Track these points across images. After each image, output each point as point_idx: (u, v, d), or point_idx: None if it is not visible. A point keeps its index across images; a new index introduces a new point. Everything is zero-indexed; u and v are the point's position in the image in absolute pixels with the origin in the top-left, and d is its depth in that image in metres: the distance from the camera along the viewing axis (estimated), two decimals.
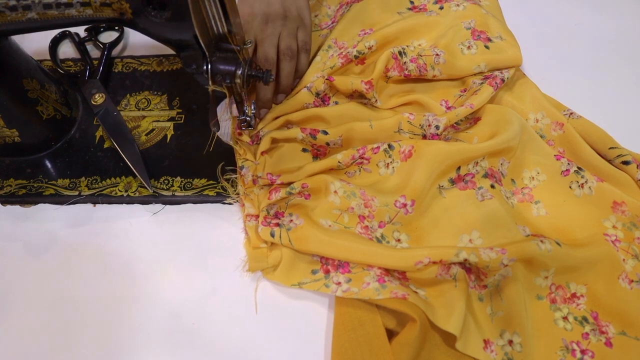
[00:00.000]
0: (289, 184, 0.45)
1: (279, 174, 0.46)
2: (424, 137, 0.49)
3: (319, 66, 0.53)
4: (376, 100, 0.52)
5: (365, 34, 0.55)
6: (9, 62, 0.46)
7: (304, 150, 0.50)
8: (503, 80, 0.51)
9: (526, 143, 0.49)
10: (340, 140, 0.49)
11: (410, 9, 0.58)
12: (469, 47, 0.53)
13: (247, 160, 0.47)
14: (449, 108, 0.52)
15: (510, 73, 0.52)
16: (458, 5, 0.56)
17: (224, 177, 0.48)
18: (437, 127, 0.48)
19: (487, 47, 0.53)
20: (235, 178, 0.47)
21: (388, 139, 0.49)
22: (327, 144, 0.49)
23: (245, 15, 0.51)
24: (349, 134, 0.49)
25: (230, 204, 0.48)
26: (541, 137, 0.50)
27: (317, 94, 0.51)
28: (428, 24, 0.55)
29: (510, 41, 0.54)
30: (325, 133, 0.48)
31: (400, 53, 0.52)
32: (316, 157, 0.50)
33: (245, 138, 0.49)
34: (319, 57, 0.54)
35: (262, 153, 0.47)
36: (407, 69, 0.52)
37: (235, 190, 0.47)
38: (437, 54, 0.52)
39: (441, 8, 0.56)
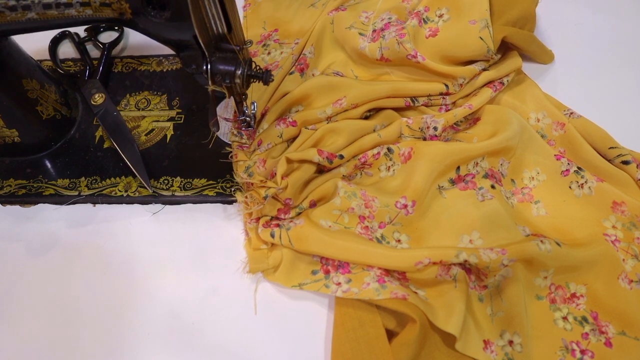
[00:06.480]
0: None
1: (292, 198, 0.45)
2: (424, 139, 0.49)
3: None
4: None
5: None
6: (9, 62, 0.46)
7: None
8: (502, 84, 0.51)
9: (526, 143, 0.49)
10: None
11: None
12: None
13: (270, 188, 0.44)
14: (448, 110, 0.52)
15: (510, 77, 0.52)
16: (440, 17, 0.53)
17: (238, 193, 0.46)
18: (435, 128, 0.48)
19: (486, 69, 0.52)
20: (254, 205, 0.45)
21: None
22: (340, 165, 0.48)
23: None
24: (361, 149, 0.48)
25: (231, 203, 0.48)
26: (542, 136, 0.50)
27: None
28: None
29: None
30: (342, 157, 0.47)
31: (412, 100, 0.51)
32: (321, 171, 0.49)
33: (257, 178, 0.45)
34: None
35: (282, 177, 0.44)
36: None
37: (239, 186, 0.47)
38: (444, 98, 0.52)
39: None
